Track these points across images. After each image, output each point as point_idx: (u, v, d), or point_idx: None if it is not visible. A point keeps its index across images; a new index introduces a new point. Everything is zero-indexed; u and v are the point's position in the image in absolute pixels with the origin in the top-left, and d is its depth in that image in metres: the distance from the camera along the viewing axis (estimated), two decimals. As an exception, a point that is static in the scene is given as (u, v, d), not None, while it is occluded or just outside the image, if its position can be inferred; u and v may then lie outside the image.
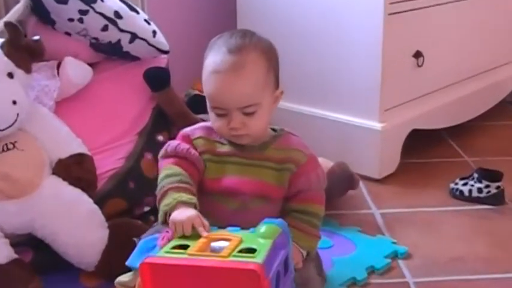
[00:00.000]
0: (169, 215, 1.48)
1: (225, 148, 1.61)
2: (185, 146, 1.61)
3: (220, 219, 1.52)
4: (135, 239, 1.70)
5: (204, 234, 1.42)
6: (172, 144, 1.62)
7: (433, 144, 3.01)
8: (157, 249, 1.46)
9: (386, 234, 2.23)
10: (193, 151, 1.60)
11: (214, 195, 1.60)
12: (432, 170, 2.77)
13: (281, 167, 1.60)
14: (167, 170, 1.57)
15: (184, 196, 1.50)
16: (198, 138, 1.63)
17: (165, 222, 1.50)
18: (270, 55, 1.60)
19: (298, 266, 1.57)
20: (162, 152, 1.63)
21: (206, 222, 1.46)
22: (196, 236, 1.43)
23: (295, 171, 1.60)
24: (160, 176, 1.58)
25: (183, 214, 1.45)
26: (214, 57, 1.55)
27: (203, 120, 1.67)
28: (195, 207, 1.50)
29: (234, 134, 1.57)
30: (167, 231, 1.50)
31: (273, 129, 1.67)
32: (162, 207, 1.51)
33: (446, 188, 2.55)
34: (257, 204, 1.59)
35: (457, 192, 2.50)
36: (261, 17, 2.90)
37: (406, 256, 2.10)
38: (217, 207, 1.58)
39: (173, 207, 1.48)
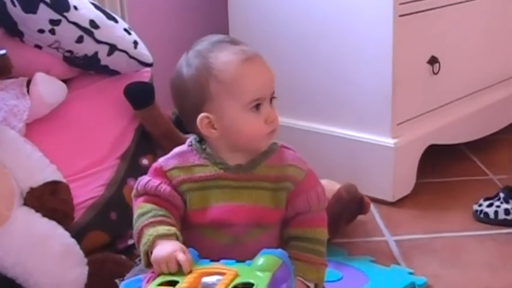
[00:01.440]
0: (151, 254, 1.48)
1: (207, 170, 1.58)
2: (155, 182, 1.58)
3: (210, 255, 1.51)
4: (116, 280, 1.69)
5: (187, 269, 1.42)
6: (142, 181, 1.61)
7: (452, 161, 3.02)
8: (142, 288, 1.46)
9: (402, 264, 2.24)
10: (163, 187, 1.57)
11: (200, 228, 1.58)
12: (453, 190, 2.78)
13: (277, 186, 1.58)
14: (139, 210, 1.56)
15: (161, 229, 1.49)
16: (172, 169, 1.60)
17: (149, 264, 1.50)
18: None
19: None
20: (133, 191, 1.63)
21: (190, 256, 1.45)
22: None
23: (293, 189, 1.59)
24: (134, 218, 1.57)
25: (163, 250, 1.45)
26: (229, 51, 1.55)
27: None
28: (177, 238, 1.49)
29: (273, 130, 1.57)
30: (153, 272, 1.49)
31: None
32: (141, 247, 1.50)
33: (469, 210, 2.55)
34: (253, 235, 1.57)
35: (482, 215, 2.50)
36: (254, 24, 2.91)
37: (426, 288, 2.11)
38: (206, 242, 1.56)
39: (152, 244, 1.48)
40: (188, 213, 1.58)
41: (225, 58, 1.55)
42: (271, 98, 1.57)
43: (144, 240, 1.49)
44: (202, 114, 1.55)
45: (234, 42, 1.59)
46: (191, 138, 1.63)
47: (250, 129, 1.55)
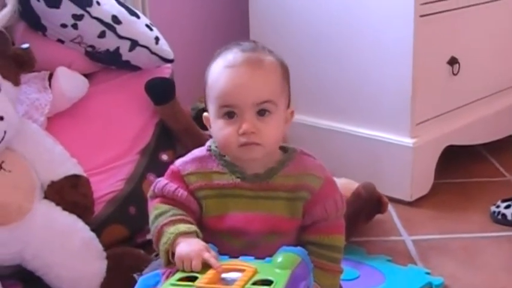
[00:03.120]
0: (172, 253, 1.47)
1: (225, 179, 1.57)
2: (172, 186, 1.58)
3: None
4: (135, 275, 1.69)
5: (217, 266, 1.42)
6: (159, 184, 1.60)
7: (471, 162, 3.00)
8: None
9: (419, 264, 2.23)
10: (181, 192, 1.57)
11: (217, 233, 1.57)
12: (470, 191, 2.77)
13: (293, 195, 1.57)
14: (156, 210, 1.56)
15: (182, 227, 1.49)
16: (189, 174, 1.59)
17: (169, 263, 1.50)
18: (284, 66, 1.60)
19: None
20: (150, 191, 1.62)
21: (214, 253, 1.45)
22: (205, 266, 1.43)
23: (309, 198, 1.57)
24: (151, 218, 1.56)
25: (188, 248, 1.44)
26: (225, 57, 1.54)
27: (211, 137, 1.64)
28: (197, 236, 1.49)
29: (245, 143, 1.51)
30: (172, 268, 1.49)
31: (284, 149, 1.64)
32: (162, 246, 1.50)
33: (486, 211, 2.54)
34: (268, 241, 1.56)
35: (499, 216, 2.49)
36: (275, 21, 2.91)
37: (442, 288, 2.11)
38: (222, 245, 1.55)
39: (173, 243, 1.48)
40: (204, 219, 1.58)
41: (216, 64, 1.55)
42: (261, 110, 1.52)
43: (164, 239, 1.49)
44: (204, 113, 1.60)
45: (247, 48, 1.56)
46: (210, 142, 1.63)
47: (220, 136, 1.54)
